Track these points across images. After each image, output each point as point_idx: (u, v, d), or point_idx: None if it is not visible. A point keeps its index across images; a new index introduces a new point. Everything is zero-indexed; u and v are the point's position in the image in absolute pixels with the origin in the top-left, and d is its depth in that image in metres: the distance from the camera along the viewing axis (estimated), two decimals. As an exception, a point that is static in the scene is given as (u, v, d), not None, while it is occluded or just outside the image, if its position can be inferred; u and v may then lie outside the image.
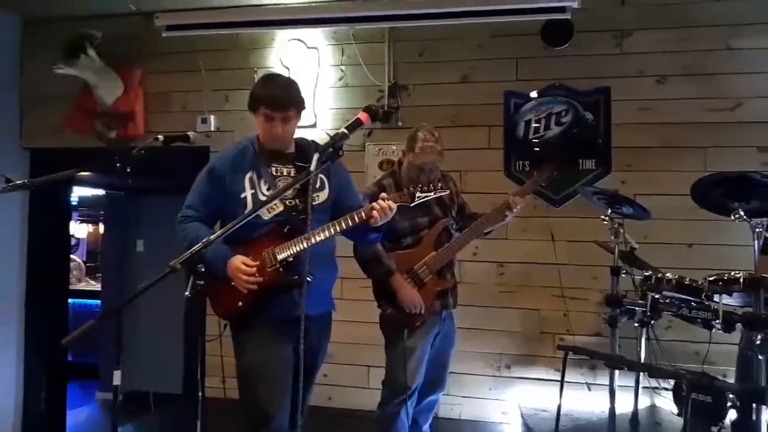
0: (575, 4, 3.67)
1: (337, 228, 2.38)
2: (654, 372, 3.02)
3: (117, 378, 1.93)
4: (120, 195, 6.02)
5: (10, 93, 4.72)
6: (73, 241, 7.12)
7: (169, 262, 1.88)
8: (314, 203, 2.44)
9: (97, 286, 7.13)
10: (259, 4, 4.21)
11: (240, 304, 2.43)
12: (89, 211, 8.47)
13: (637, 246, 3.31)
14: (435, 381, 3.19)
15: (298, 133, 2.64)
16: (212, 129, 4.33)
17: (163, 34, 4.25)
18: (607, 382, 3.20)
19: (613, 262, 3.16)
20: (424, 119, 3.39)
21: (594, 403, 3.58)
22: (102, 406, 5.81)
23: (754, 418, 2.59)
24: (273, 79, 2.75)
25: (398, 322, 3.02)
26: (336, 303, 2.71)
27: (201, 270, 2.19)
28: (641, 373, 3.29)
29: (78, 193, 7.27)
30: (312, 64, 4.26)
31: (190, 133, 2.62)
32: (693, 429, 2.48)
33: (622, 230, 3.18)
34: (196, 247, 1.97)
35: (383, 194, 2.44)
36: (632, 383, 3.32)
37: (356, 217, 2.36)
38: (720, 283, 2.77)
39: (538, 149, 3.95)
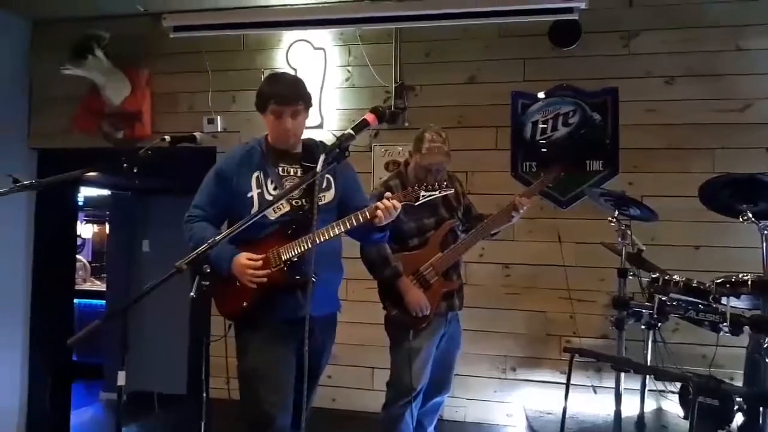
0: (582, 5, 3.66)
1: (342, 227, 2.37)
2: (661, 375, 3.00)
3: (122, 378, 1.92)
4: (126, 195, 6.02)
5: (18, 94, 4.73)
6: (78, 241, 7.12)
7: (174, 263, 1.88)
8: (320, 203, 2.43)
9: (102, 287, 7.12)
10: (266, 6, 4.21)
11: (245, 303, 2.43)
12: (95, 211, 8.46)
13: (644, 248, 3.30)
14: (440, 383, 3.18)
15: (306, 134, 2.63)
16: (219, 130, 4.34)
17: (171, 35, 4.26)
18: (613, 385, 3.20)
19: (620, 264, 3.15)
20: (431, 120, 3.38)
21: (600, 406, 3.58)
22: (106, 406, 5.81)
23: (761, 421, 2.59)
24: (279, 77, 2.76)
25: (403, 324, 3.01)
26: (341, 304, 2.70)
27: (206, 271, 2.18)
28: (648, 376, 3.27)
29: (84, 193, 7.28)
30: (319, 64, 4.26)
31: (197, 134, 2.62)
32: (700, 433, 2.47)
33: (629, 232, 3.17)
34: (201, 248, 1.97)
35: (387, 193, 2.43)
36: (638, 386, 3.29)
37: (361, 217, 2.36)
38: (728, 285, 2.76)
39: (545, 150, 3.94)
